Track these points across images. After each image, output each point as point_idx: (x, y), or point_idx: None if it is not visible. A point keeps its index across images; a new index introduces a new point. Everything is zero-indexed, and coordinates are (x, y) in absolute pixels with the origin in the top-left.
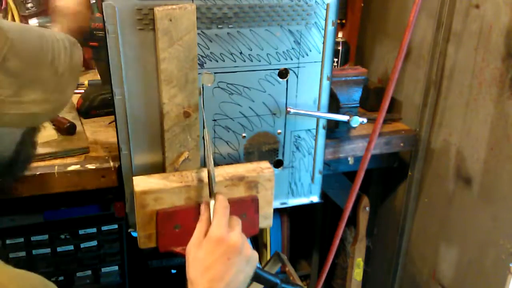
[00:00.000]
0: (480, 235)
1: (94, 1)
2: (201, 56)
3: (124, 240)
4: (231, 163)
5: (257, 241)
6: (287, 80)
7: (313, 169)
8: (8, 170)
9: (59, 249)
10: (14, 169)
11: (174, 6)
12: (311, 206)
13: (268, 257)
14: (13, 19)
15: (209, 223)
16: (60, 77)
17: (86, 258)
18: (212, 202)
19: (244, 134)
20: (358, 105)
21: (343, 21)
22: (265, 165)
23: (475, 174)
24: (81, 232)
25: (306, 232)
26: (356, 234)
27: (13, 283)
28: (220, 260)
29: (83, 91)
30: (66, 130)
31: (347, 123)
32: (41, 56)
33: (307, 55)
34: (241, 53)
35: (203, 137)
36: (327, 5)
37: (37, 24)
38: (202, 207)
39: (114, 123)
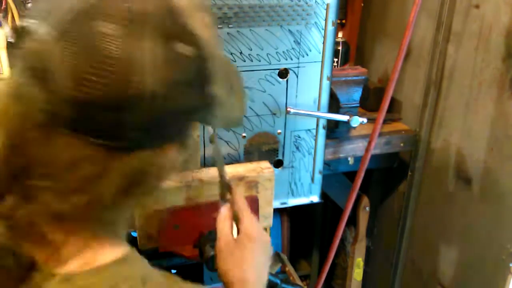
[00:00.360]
0: (480, 235)
1: None
2: None
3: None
4: (231, 163)
5: None
6: (287, 80)
7: (313, 169)
8: None
9: None
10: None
11: None
12: (311, 206)
13: None
14: (13, 19)
15: (231, 220)
16: (239, 84)
17: None
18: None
19: (244, 134)
20: (358, 105)
21: (343, 21)
22: (265, 165)
23: (475, 174)
24: None
25: (306, 232)
26: (356, 234)
27: None
28: (262, 256)
29: None
30: None
31: (347, 123)
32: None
33: (307, 55)
34: (241, 53)
35: (210, 140)
36: (327, 5)
37: None
38: (224, 205)
39: None
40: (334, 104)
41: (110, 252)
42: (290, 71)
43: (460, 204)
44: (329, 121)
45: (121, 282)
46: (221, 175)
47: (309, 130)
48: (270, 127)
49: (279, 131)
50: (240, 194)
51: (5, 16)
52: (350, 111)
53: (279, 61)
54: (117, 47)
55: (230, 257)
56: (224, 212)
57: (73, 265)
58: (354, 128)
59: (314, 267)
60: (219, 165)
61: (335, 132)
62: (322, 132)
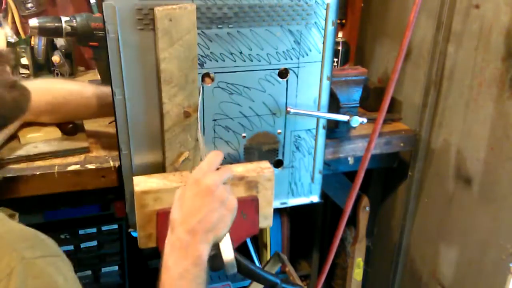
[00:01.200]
0: (480, 235)
1: (94, 1)
2: (201, 56)
3: (124, 240)
4: (231, 163)
5: (257, 241)
6: (287, 80)
7: (313, 169)
8: None
9: None
10: None
11: (174, 6)
12: (311, 206)
13: (268, 257)
14: (13, 19)
15: None
16: None
17: (86, 258)
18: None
19: (244, 134)
20: (358, 105)
21: (343, 21)
22: (265, 165)
23: (475, 174)
24: (81, 232)
25: (306, 232)
26: (356, 234)
27: (9, 233)
28: (193, 199)
29: None
30: (69, 130)
31: (347, 123)
32: None
33: (307, 55)
34: (241, 53)
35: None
36: (327, 5)
37: (37, 24)
38: None
39: (114, 123)
40: (334, 104)
41: None
42: (290, 71)
43: (460, 204)
44: (329, 121)
45: None
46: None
47: (309, 130)
48: (270, 127)
49: (279, 131)
50: (216, 151)
51: (5, 16)
52: (350, 111)
53: (279, 61)
54: None
55: (174, 199)
56: None
57: None
58: (354, 128)
59: (314, 267)
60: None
61: (335, 132)
62: (322, 132)
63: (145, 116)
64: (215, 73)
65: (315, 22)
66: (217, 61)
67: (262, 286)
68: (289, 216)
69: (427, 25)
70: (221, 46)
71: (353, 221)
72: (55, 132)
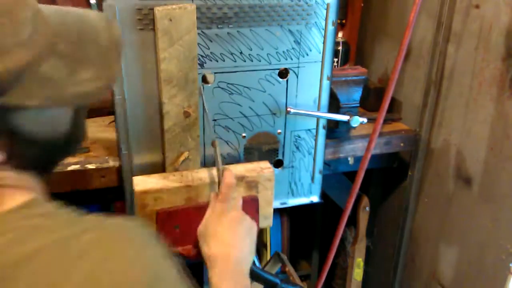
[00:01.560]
0: (480, 235)
1: (94, 1)
2: (201, 56)
3: None
4: (231, 163)
5: (257, 241)
6: (287, 80)
7: (313, 169)
8: (64, 149)
9: None
10: (68, 148)
11: (174, 6)
12: (311, 206)
13: (268, 257)
14: None
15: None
16: (105, 54)
17: None
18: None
19: (244, 134)
20: (358, 105)
21: (343, 21)
22: (265, 165)
23: (475, 174)
24: None
25: (306, 232)
26: (356, 234)
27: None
28: (227, 232)
29: None
30: None
31: (347, 123)
32: (84, 35)
33: (307, 55)
34: (241, 53)
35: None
36: (327, 5)
37: None
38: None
39: (114, 123)
40: (334, 104)
41: (17, 199)
42: (290, 71)
43: (460, 204)
44: (329, 121)
45: (9, 230)
46: (218, 168)
47: (309, 130)
48: (270, 127)
49: (279, 131)
50: (227, 177)
51: None
52: (350, 111)
53: (279, 61)
54: None
55: (202, 237)
56: (212, 198)
57: None
58: (354, 128)
59: (314, 267)
60: (217, 162)
61: (335, 132)
62: (322, 132)
63: (145, 116)
64: (215, 73)
65: (315, 22)
66: (217, 61)
67: (262, 286)
68: (289, 216)
69: (427, 25)
70: (221, 46)
71: (353, 221)
72: None
